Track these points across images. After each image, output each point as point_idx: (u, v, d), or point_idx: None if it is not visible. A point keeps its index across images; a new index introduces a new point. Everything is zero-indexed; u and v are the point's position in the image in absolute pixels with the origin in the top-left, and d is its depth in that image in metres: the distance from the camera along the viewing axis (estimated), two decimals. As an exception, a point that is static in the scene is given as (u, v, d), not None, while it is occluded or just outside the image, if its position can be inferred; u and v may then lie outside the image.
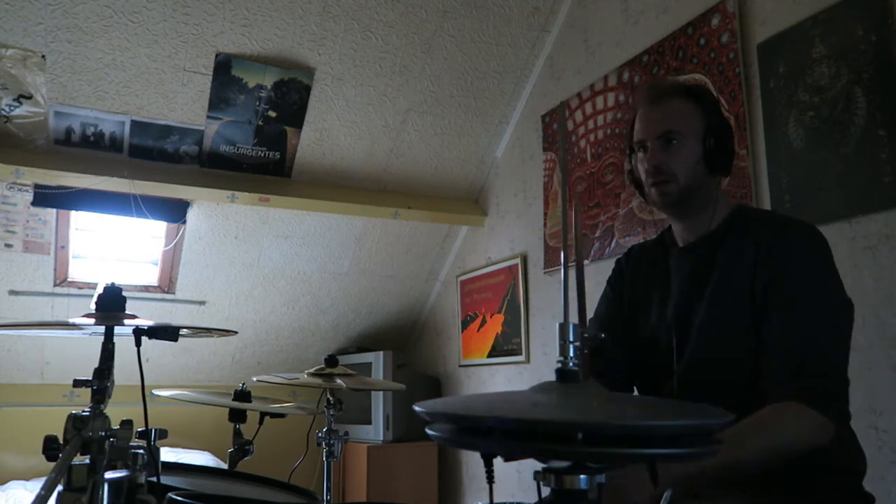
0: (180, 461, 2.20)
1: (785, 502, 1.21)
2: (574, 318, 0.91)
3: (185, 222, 3.46)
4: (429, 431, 0.72)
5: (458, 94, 3.53)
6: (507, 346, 3.54)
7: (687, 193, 1.36)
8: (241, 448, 1.97)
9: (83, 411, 1.11)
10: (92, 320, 1.22)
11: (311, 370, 2.17)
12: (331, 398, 2.16)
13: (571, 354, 0.80)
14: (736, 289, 1.30)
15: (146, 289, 3.74)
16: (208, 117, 3.22)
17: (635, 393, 1.49)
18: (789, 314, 1.22)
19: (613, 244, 2.86)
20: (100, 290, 1.26)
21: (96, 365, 1.18)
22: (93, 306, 1.27)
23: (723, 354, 1.30)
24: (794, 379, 1.18)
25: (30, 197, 3.13)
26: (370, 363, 3.95)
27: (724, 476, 1.15)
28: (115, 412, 1.12)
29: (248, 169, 3.43)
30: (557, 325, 0.83)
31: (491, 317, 3.70)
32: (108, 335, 1.21)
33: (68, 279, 3.52)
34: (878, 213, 1.89)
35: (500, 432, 0.63)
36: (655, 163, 1.36)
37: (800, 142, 2.11)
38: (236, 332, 1.56)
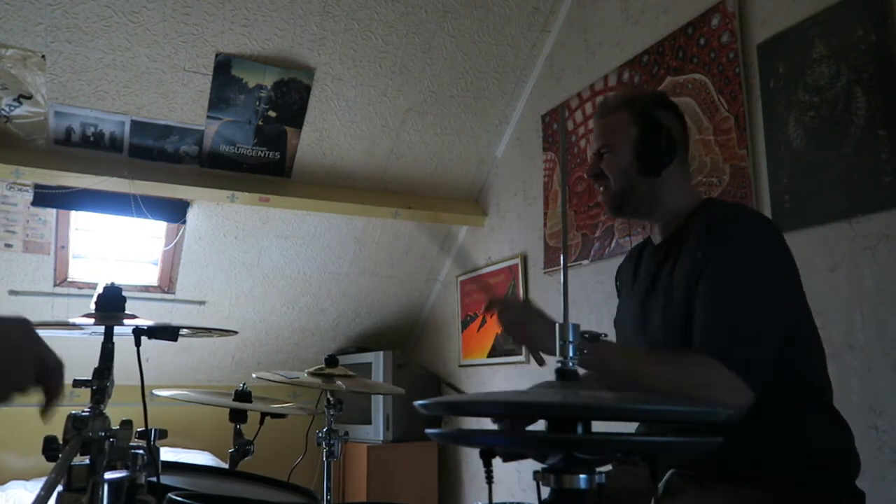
0: (180, 461, 2.20)
1: (775, 497, 1.21)
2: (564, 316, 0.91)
3: (185, 222, 3.46)
4: (429, 431, 0.72)
5: (458, 94, 3.53)
6: (507, 346, 3.54)
7: (621, 196, 1.46)
8: (242, 448, 1.97)
9: (83, 411, 1.11)
10: (92, 320, 1.22)
11: (311, 370, 2.17)
12: (331, 398, 2.16)
13: (571, 354, 0.80)
14: (680, 281, 1.33)
15: (146, 289, 3.74)
16: (208, 117, 3.22)
17: None
18: (712, 289, 1.26)
19: (613, 244, 2.86)
20: (100, 290, 1.26)
21: (96, 365, 1.18)
22: (93, 306, 1.27)
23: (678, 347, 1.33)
24: (712, 343, 1.21)
25: (30, 197, 3.13)
26: (370, 363, 3.95)
27: (620, 382, 1.25)
28: (115, 412, 1.12)
29: (248, 169, 3.43)
30: (557, 325, 0.83)
31: (491, 317, 3.69)
32: (108, 335, 1.21)
33: (68, 279, 3.52)
34: (878, 213, 1.89)
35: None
36: (591, 173, 1.49)
37: (800, 142, 2.11)
38: (236, 332, 1.56)
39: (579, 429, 0.71)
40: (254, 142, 3.36)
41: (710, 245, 1.29)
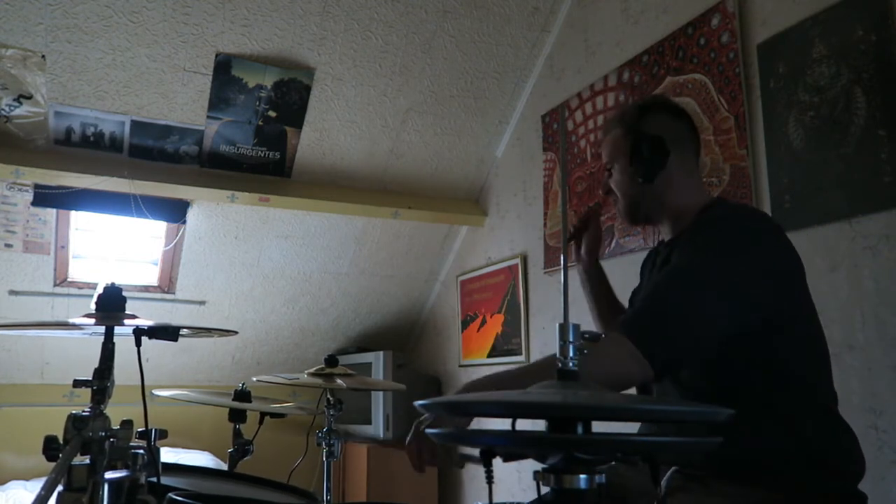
0: (180, 461, 2.21)
1: (776, 498, 1.22)
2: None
3: (185, 222, 3.46)
4: (429, 431, 0.72)
5: (458, 94, 3.53)
6: (507, 346, 3.54)
7: (631, 206, 1.52)
8: (241, 448, 1.97)
9: (83, 411, 1.11)
10: (92, 320, 1.22)
11: (312, 370, 2.17)
12: (331, 398, 2.16)
13: (571, 354, 0.80)
14: None
15: (146, 289, 3.74)
16: (208, 117, 3.22)
17: None
18: (658, 275, 1.33)
19: (613, 244, 2.86)
20: (100, 290, 1.27)
21: (96, 365, 1.19)
22: (93, 306, 1.27)
23: None
24: (629, 318, 1.27)
25: (30, 197, 3.13)
26: (370, 363, 3.95)
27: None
28: (115, 412, 1.12)
29: (248, 169, 3.43)
30: (557, 325, 0.83)
31: (491, 317, 3.70)
32: (108, 335, 1.21)
33: (68, 279, 3.52)
34: (878, 213, 1.89)
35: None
36: (604, 190, 1.57)
37: (800, 142, 2.11)
38: (236, 332, 1.56)
39: (579, 429, 0.71)
40: (254, 142, 3.36)
41: (686, 242, 1.34)
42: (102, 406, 1.14)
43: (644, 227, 2.69)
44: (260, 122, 3.30)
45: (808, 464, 1.24)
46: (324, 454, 2.12)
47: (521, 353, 3.42)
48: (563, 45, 3.35)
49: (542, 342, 3.32)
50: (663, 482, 1.30)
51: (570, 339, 0.81)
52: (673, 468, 1.33)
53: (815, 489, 1.23)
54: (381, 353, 3.94)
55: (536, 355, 3.35)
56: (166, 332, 1.21)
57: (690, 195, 1.47)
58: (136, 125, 3.16)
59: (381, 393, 3.82)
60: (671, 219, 1.49)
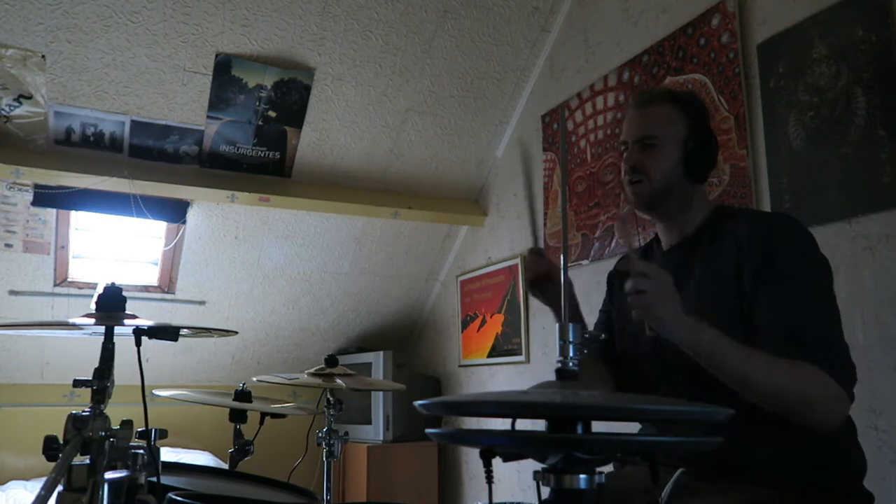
0: (180, 461, 2.20)
1: (783, 497, 1.21)
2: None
3: (185, 222, 3.46)
4: (429, 431, 0.72)
5: (458, 94, 3.53)
6: (507, 346, 3.54)
7: (659, 194, 1.40)
8: (242, 448, 1.97)
9: (83, 411, 1.11)
10: (92, 320, 1.22)
11: (311, 370, 2.17)
12: (331, 398, 2.16)
13: (571, 354, 0.80)
14: (719, 286, 1.31)
15: (146, 289, 3.74)
16: (208, 117, 3.22)
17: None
18: (783, 294, 1.24)
19: (613, 244, 2.86)
20: (100, 290, 1.27)
21: (96, 365, 1.18)
22: (93, 306, 1.27)
23: None
24: (810, 348, 1.18)
25: (30, 197, 3.13)
26: (370, 363, 3.95)
27: (727, 375, 1.17)
28: (115, 412, 1.12)
29: (248, 169, 3.43)
30: (557, 325, 0.83)
31: (491, 317, 3.70)
32: (108, 335, 1.21)
33: (68, 279, 3.52)
34: (878, 213, 1.89)
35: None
36: (632, 163, 1.41)
37: (800, 142, 2.11)
38: (236, 332, 1.56)
39: (579, 429, 0.71)
40: (254, 142, 3.36)
41: (764, 252, 1.27)
42: (102, 406, 1.14)
43: (645, 228, 2.69)
44: (260, 122, 3.30)
45: (814, 463, 1.24)
46: (324, 454, 2.12)
47: (521, 353, 3.42)
48: (563, 45, 3.35)
49: (542, 342, 3.32)
50: (670, 484, 1.29)
51: (570, 339, 0.81)
52: (680, 470, 1.32)
53: (822, 488, 1.23)
54: (381, 353, 3.94)
55: (537, 355, 3.35)
56: (166, 332, 1.21)
57: (701, 201, 1.45)
58: (136, 125, 3.16)
59: (380, 393, 3.82)
60: (682, 222, 1.45)
